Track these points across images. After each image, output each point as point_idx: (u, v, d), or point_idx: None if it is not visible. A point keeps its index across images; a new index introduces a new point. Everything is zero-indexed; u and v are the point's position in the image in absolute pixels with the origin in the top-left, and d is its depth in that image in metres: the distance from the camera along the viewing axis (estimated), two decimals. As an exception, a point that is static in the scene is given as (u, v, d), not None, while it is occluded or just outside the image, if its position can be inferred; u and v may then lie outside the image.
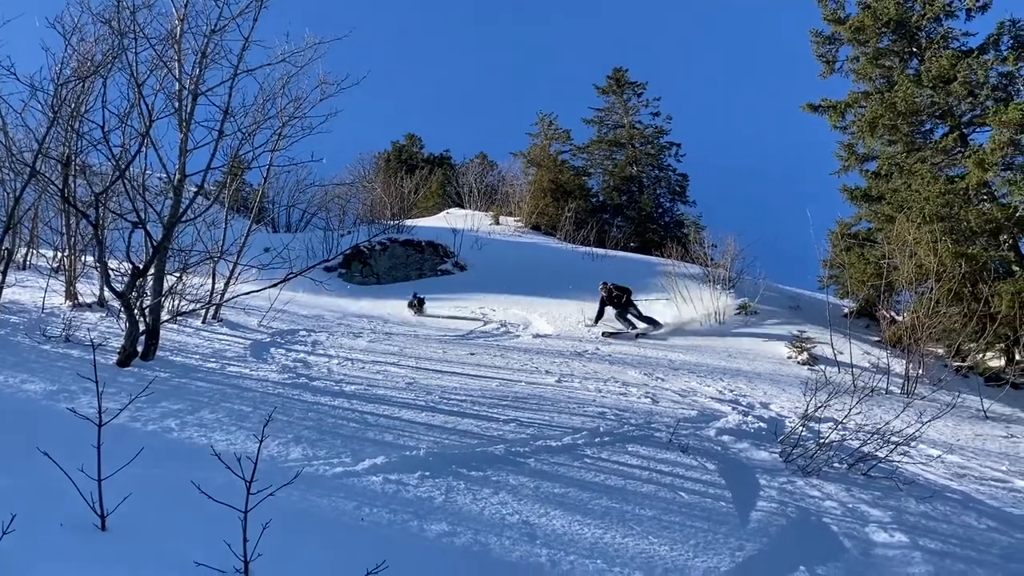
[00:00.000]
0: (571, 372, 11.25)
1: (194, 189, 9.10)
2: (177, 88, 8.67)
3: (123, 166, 8.36)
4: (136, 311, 8.03)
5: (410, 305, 16.29)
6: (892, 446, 7.80)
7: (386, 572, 3.49)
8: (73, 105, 10.04)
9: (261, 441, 3.50)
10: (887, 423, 8.30)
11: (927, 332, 12.77)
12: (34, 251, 14.29)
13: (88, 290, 11.47)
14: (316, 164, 28.77)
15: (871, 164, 18.29)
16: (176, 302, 10.49)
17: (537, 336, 14.71)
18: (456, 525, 4.78)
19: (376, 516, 4.70)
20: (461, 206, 30.98)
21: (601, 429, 8.11)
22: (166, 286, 8.96)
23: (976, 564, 5.81)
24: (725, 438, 8.42)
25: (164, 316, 9.15)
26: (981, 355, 13.99)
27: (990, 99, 15.79)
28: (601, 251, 24.17)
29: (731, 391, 10.89)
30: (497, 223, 28.08)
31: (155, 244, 8.24)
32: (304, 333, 11.98)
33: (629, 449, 7.53)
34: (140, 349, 8.13)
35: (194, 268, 10.21)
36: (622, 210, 33.34)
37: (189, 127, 8.69)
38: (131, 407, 5.41)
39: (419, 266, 21.46)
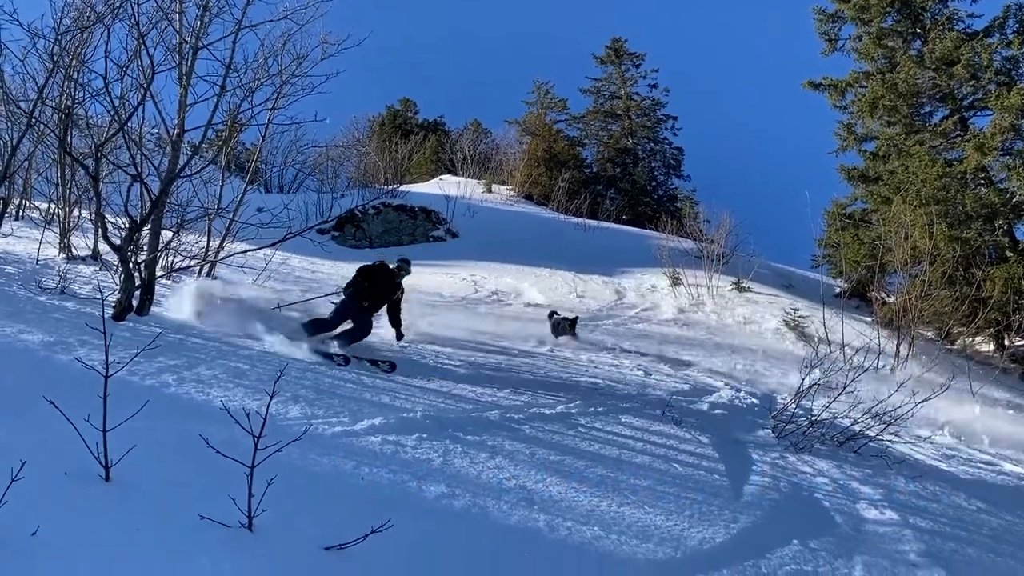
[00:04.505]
0: (562, 341, 11.26)
1: (193, 144, 9.00)
2: (178, 41, 8.54)
3: (124, 118, 8.23)
4: (132, 265, 7.97)
5: (557, 327, 12.13)
6: (883, 425, 7.86)
7: (388, 531, 3.49)
8: (72, 54, 9.88)
9: (272, 396, 3.48)
10: (878, 402, 8.36)
11: (919, 314, 12.84)
12: (28, 202, 14.14)
13: (82, 243, 11.37)
14: (310, 125, 28.57)
15: (870, 145, 18.25)
16: (171, 258, 10.40)
17: (529, 305, 14.72)
18: (454, 487, 4.79)
19: (376, 476, 4.70)
20: (454, 173, 30.76)
21: (594, 399, 8.13)
22: (162, 242, 8.88)
23: (966, 543, 5.88)
24: (718, 412, 8.48)
25: (159, 271, 9.08)
26: (971, 339, 14.09)
27: (992, 83, 15.75)
28: (593, 222, 24.13)
29: (724, 366, 10.94)
30: (490, 191, 27.94)
31: (153, 198, 8.15)
32: (299, 293, 11.94)
33: (623, 420, 7.56)
34: (135, 304, 8.08)
35: (190, 225, 10.12)
36: (616, 182, 33.20)
37: (189, 81, 8.57)
38: (126, 361, 5.38)
39: (411, 232, 21.38)
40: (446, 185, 25.22)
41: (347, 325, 9.32)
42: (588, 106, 35.02)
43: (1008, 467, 8.18)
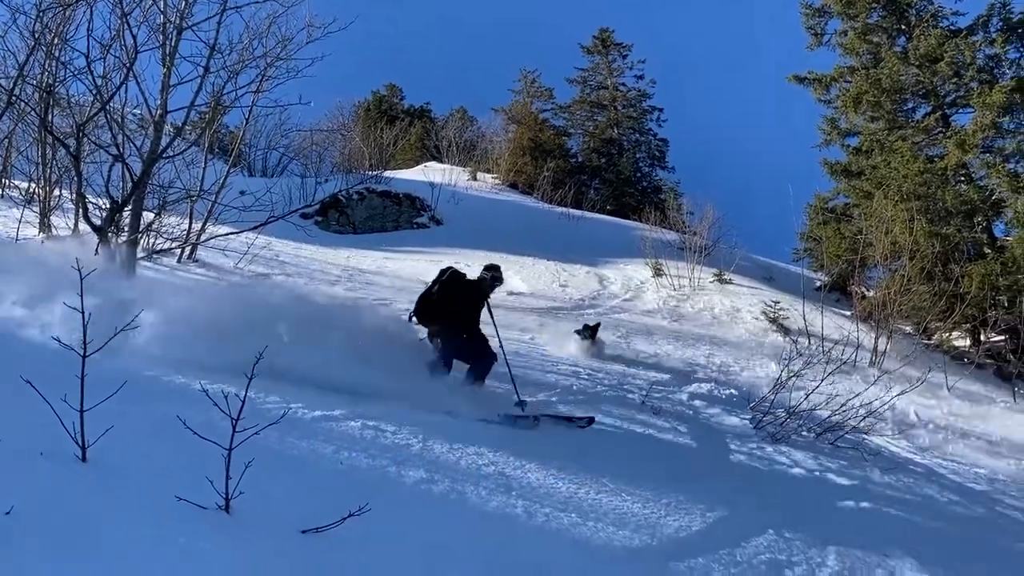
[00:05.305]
0: (544, 330, 11.27)
1: (176, 125, 8.94)
2: (162, 21, 8.47)
3: (106, 97, 8.17)
4: (113, 246, 7.92)
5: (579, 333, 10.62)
6: (859, 418, 7.95)
7: (366, 515, 3.50)
8: (54, 32, 9.77)
9: (251, 379, 3.47)
10: (855, 395, 8.44)
11: (897, 308, 12.95)
12: (7, 181, 13.99)
13: (63, 223, 11.27)
14: (296, 109, 28.35)
15: (853, 139, 18.31)
16: (152, 240, 10.34)
17: (512, 294, 14.72)
18: (434, 473, 4.81)
19: (355, 460, 4.72)
20: (439, 160, 30.61)
21: (574, 387, 8.18)
22: (143, 223, 8.83)
23: (938, 534, 5.97)
24: (697, 403, 8.54)
25: (140, 253, 9.03)
26: (948, 334, 14.23)
27: (975, 81, 15.83)
28: (578, 212, 24.10)
29: (704, 357, 11.00)
30: (475, 179, 27.86)
31: (135, 179, 8.10)
32: (281, 278, 11.91)
33: (602, 408, 7.61)
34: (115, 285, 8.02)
35: (172, 206, 10.06)
36: (600, 172, 33.17)
37: (173, 62, 8.51)
38: (105, 341, 5.35)
39: (396, 218, 21.28)
40: (431, 172, 25.11)
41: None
42: (574, 96, 34.95)
43: (981, 460, 8.30)
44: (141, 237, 9.17)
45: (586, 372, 9.08)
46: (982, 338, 14.28)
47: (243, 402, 3.42)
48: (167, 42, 8.50)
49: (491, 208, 23.24)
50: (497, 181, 28.68)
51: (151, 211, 9.55)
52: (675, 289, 15.66)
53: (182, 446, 3.70)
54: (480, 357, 7.62)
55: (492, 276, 8.09)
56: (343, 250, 16.12)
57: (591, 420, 7.03)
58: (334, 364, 6.37)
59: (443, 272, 7.86)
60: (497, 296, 13.91)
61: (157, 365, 5.57)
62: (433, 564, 3.72)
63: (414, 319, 7.75)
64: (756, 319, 13.83)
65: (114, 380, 3.79)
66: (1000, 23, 16.06)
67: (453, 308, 7.55)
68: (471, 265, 16.44)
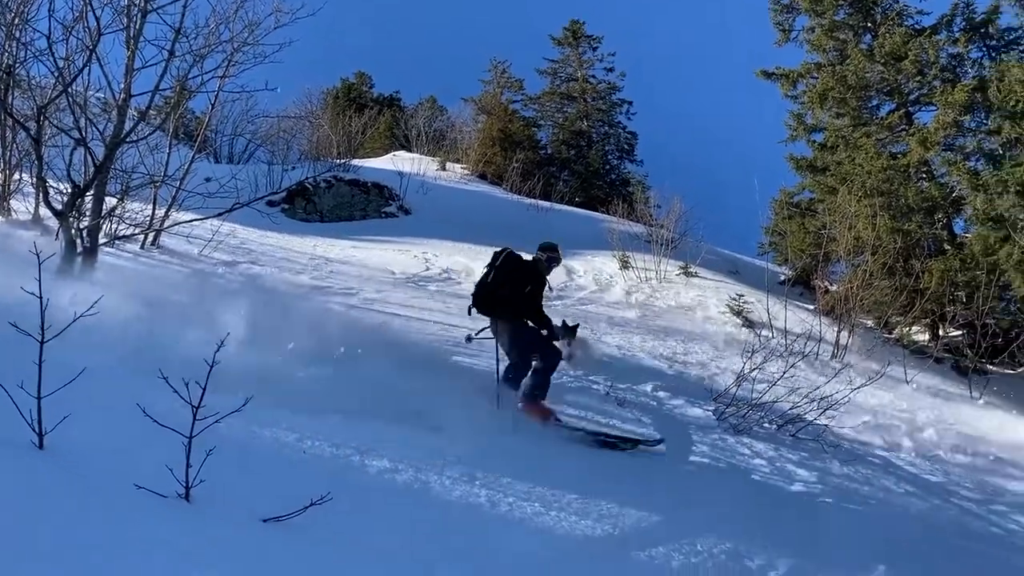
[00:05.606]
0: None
1: (140, 110, 8.81)
2: (126, 3, 8.33)
3: (68, 80, 8.03)
4: (74, 231, 7.80)
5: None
6: (820, 410, 8.06)
7: (328, 504, 3.49)
8: (15, 12, 9.57)
9: (212, 367, 3.44)
10: (816, 388, 8.56)
11: (859, 303, 13.15)
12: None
13: (23, 207, 11.07)
14: (264, 95, 28.01)
15: (818, 135, 18.50)
16: (115, 225, 10.19)
17: (480, 284, 14.69)
18: (397, 463, 4.81)
19: (318, 449, 4.71)
20: (409, 149, 30.48)
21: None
22: (105, 208, 8.70)
23: (894, 524, 6.09)
24: (661, 394, 8.60)
25: (102, 239, 8.90)
26: (908, 328, 14.46)
27: (938, 79, 16.07)
28: (546, 204, 24.11)
29: (669, 349, 11.08)
30: (444, 169, 27.78)
31: (97, 164, 7.98)
32: (246, 265, 11.81)
33: (567, 399, 7.63)
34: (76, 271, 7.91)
35: (135, 192, 9.92)
36: (570, 164, 33.23)
37: (137, 45, 8.38)
38: (63, 327, 5.27)
39: (364, 207, 21.15)
40: (400, 161, 25.00)
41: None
42: (544, 87, 34.97)
43: (938, 452, 8.45)
44: (103, 222, 9.04)
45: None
46: (941, 333, 14.55)
47: (203, 390, 3.40)
48: (131, 24, 8.36)
49: (460, 198, 23.21)
50: (466, 171, 28.63)
51: (114, 196, 9.41)
52: (642, 281, 15.75)
53: (142, 434, 3.66)
54: (548, 352, 7.06)
55: (548, 256, 7.49)
56: (310, 238, 16.01)
57: (659, 441, 6.75)
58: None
59: (496, 256, 7.25)
60: (465, 286, 13.99)
61: (118, 352, 5.50)
62: (395, 552, 3.72)
63: (473, 311, 7.22)
64: (721, 312, 13.96)
65: (73, 367, 3.74)
66: (963, 23, 16.32)
67: (512, 293, 6.99)
68: (439, 255, 16.50)
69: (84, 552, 2.80)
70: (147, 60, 8.53)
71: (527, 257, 7.36)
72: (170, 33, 8.48)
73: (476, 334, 7.33)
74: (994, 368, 13.41)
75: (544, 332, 7.10)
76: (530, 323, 7.10)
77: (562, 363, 7.19)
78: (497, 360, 7.20)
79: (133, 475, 3.30)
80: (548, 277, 7.48)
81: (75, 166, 8.17)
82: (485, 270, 7.26)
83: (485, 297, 7.07)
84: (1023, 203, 12.95)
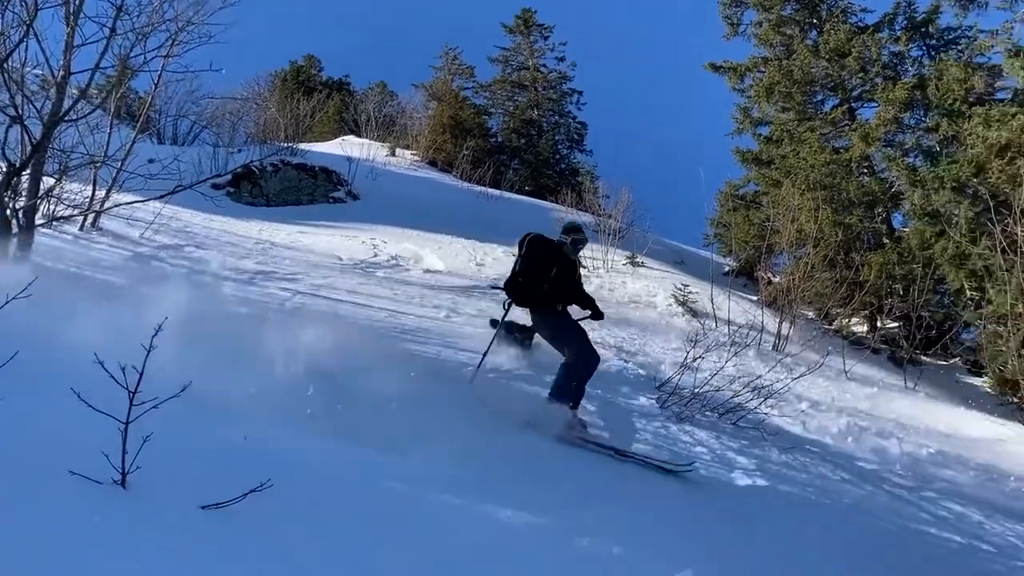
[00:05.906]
0: (459, 309, 11.26)
1: (80, 88, 8.58)
2: (65, -23, 8.10)
3: (3, 55, 7.78)
4: (9, 212, 7.59)
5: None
6: (760, 399, 8.21)
7: (269, 491, 3.46)
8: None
9: (149, 351, 3.37)
10: (757, 377, 8.72)
11: (801, 294, 13.41)
12: None
13: (-47, 187, 10.73)
14: (209, 76, 27.46)
15: (764, 129, 18.84)
16: (52, 206, 9.93)
17: (428, 271, 14.67)
18: (342, 447, 4.78)
19: (261, 433, 4.64)
20: (358, 135, 30.19)
21: (486, 366, 8.18)
22: (43, 188, 8.47)
23: (828, 510, 6.25)
24: (607, 382, 8.67)
25: (39, 220, 8.67)
26: (847, 320, 14.81)
27: (880, 76, 16.46)
28: (496, 192, 24.10)
29: (614, 338, 11.17)
30: (393, 155, 27.58)
31: (34, 142, 7.75)
32: (190, 249, 11.60)
33: (514, 387, 7.66)
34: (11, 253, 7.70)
35: (74, 172, 9.66)
36: (520, 153, 33.27)
37: (77, 21, 8.15)
38: None
39: (311, 191, 20.90)
40: (349, 146, 24.74)
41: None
42: (495, 75, 34.94)
43: (874, 440, 8.68)
44: (40, 203, 8.80)
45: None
46: (878, 324, 14.93)
47: (140, 374, 3.34)
48: (71, 0, 8.14)
49: (409, 185, 23.08)
50: (416, 158, 28.47)
51: (52, 176, 9.16)
52: (589, 271, 15.84)
53: (76, 419, 3.58)
54: (585, 348, 6.85)
55: (573, 239, 7.30)
56: (255, 223, 15.76)
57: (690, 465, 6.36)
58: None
59: (522, 242, 7.10)
60: (413, 273, 13.94)
61: (53, 335, 5.37)
62: (336, 536, 3.70)
63: (507, 301, 7.16)
64: (666, 302, 14.12)
65: (6, 349, 3.65)
66: (905, 21, 16.73)
67: (543, 279, 6.85)
68: (387, 242, 16.39)
69: (15, 538, 2.74)
70: (87, 37, 8.31)
71: (553, 240, 7.29)
72: (111, 10, 8.28)
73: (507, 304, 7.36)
74: (928, 359, 13.82)
75: (589, 313, 7.32)
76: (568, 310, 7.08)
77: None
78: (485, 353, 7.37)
79: (67, 461, 3.23)
80: (577, 258, 7.50)
81: (11, 144, 7.92)
82: (515, 259, 7.25)
83: (517, 287, 7.02)
84: (958, 199, 13.34)
